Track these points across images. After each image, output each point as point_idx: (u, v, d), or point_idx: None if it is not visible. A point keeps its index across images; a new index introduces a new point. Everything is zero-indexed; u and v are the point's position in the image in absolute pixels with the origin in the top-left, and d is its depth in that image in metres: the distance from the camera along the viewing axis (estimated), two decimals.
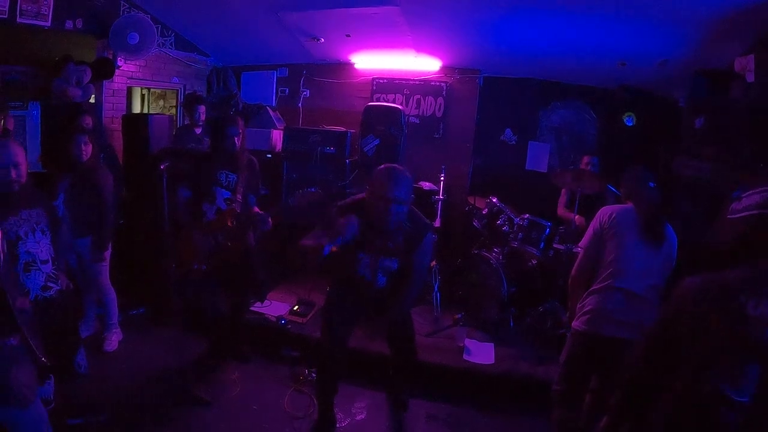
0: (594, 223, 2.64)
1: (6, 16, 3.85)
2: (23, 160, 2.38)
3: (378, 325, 3.22)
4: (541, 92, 5.39)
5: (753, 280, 1.41)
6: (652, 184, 2.38)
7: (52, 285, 2.52)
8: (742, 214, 1.58)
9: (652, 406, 1.56)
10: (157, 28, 4.87)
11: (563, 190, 4.64)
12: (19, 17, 3.94)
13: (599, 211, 2.66)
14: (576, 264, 2.74)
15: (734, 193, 1.95)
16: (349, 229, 2.56)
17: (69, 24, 4.29)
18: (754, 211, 1.55)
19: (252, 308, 4.09)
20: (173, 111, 6.05)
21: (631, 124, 5.07)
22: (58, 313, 2.57)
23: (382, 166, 2.69)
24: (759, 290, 1.38)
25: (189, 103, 4.90)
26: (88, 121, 4.01)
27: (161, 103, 6.34)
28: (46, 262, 2.49)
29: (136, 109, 6.12)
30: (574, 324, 2.60)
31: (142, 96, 6.22)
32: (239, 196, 3.37)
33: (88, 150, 3.48)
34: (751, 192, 1.58)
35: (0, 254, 2.05)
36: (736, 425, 1.38)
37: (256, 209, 3.53)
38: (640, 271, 2.45)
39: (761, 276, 1.42)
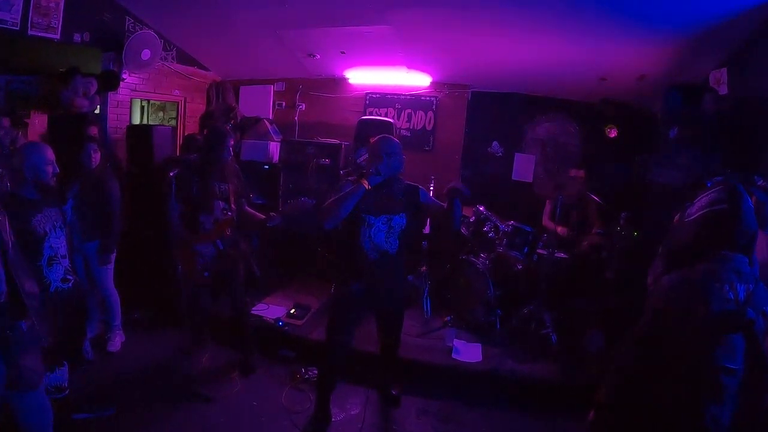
0: None
1: (18, 28, 3.99)
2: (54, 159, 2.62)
3: (383, 319, 3.29)
4: (526, 106, 5.61)
5: (719, 269, 1.66)
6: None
7: (69, 277, 2.72)
8: (695, 216, 1.81)
9: (645, 392, 1.76)
10: (160, 42, 5.07)
11: (547, 201, 4.86)
12: (30, 30, 4.07)
13: None
14: None
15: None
16: (381, 167, 2.82)
17: (77, 37, 4.45)
18: (703, 211, 1.78)
19: (251, 311, 4.24)
20: (173, 122, 6.20)
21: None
22: (74, 303, 2.77)
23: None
24: (727, 276, 1.64)
25: (206, 122, 5.06)
26: (95, 130, 4.19)
27: (161, 114, 6.48)
28: (65, 256, 2.70)
29: (136, 120, 6.21)
30: None
31: (142, 108, 6.36)
32: (233, 205, 3.51)
33: (96, 157, 3.66)
34: (702, 195, 1.82)
35: (8, 240, 2.14)
36: (734, 387, 1.64)
37: (250, 209, 3.68)
38: None
39: (723, 265, 1.66)
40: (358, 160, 5.10)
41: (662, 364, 1.72)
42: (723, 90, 3.90)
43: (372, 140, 2.98)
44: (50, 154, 2.60)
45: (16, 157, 2.58)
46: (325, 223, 2.84)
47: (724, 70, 3.88)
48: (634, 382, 1.81)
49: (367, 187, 2.80)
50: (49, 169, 2.57)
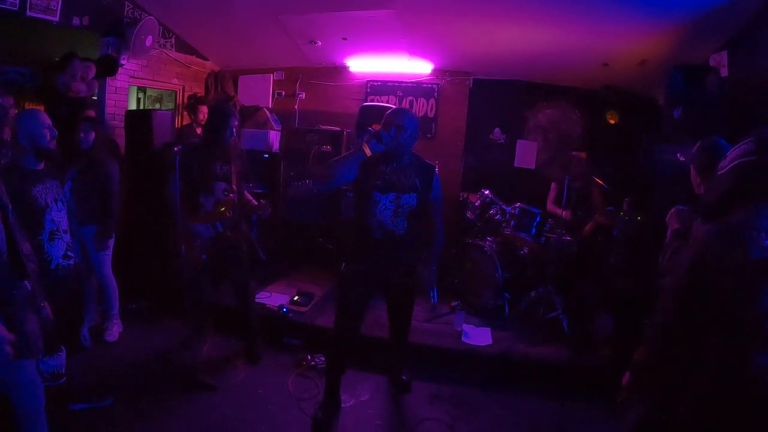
0: None
1: (17, 9, 3.85)
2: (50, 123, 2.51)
3: (393, 300, 3.16)
4: (528, 93, 5.59)
5: (753, 218, 1.61)
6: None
7: (71, 254, 2.60)
8: (726, 168, 1.77)
9: (689, 345, 1.70)
10: (159, 29, 5.01)
11: (552, 185, 4.82)
12: (29, 11, 3.94)
13: None
14: None
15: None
16: (384, 135, 2.63)
17: (76, 20, 4.33)
18: (733, 163, 1.74)
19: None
20: None
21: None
22: (73, 282, 2.65)
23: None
24: (763, 225, 1.58)
25: (192, 104, 4.99)
26: (92, 113, 4.07)
27: (157, 106, 6.38)
28: (66, 231, 2.58)
29: None
30: None
31: (138, 99, 6.26)
32: (234, 186, 3.41)
33: (92, 136, 3.54)
34: (733, 148, 1.78)
35: (7, 203, 2.05)
36: None
37: (249, 196, 3.60)
38: None
39: (758, 214, 1.62)
40: None
41: (705, 314, 1.66)
42: (723, 73, 3.91)
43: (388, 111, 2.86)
44: (45, 118, 2.49)
45: (13, 126, 2.48)
46: (319, 184, 2.68)
47: (725, 53, 3.89)
48: (677, 336, 1.75)
49: (367, 153, 2.63)
50: (46, 132, 2.46)
